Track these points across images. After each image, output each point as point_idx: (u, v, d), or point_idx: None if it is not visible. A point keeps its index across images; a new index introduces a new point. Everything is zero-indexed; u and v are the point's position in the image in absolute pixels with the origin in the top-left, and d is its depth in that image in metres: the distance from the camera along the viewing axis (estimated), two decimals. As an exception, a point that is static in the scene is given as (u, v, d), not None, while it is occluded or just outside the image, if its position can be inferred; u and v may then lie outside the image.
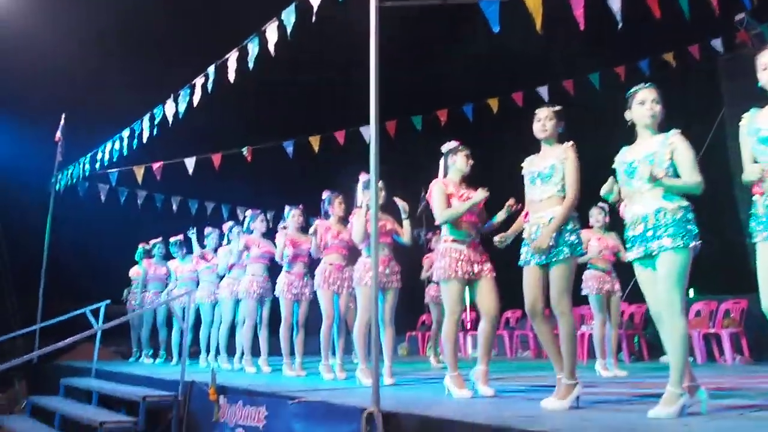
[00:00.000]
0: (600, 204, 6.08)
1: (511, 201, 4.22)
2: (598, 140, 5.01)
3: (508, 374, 5.97)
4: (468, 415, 3.21)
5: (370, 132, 3.65)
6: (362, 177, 5.34)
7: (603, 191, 3.50)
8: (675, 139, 3.27)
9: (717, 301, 7.86)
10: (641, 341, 8.48)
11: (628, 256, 3.38)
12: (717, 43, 8.48)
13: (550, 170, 3.69)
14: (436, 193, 4.37)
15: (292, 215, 6.30)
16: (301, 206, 6.31)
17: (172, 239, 8.59)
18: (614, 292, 6.12)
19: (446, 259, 4.24)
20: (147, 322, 8.79)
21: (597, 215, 6.15)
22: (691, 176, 3.20)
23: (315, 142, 8.21)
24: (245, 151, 8.23)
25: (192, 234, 7.88)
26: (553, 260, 3.58)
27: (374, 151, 3.66)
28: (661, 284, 3.16)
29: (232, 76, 5.44)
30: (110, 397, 5.95)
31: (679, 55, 8.27)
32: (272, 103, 10.05)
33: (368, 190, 5.21)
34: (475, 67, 9.65)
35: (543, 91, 8.33)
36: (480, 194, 4.31)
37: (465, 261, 4.22)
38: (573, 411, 3.41)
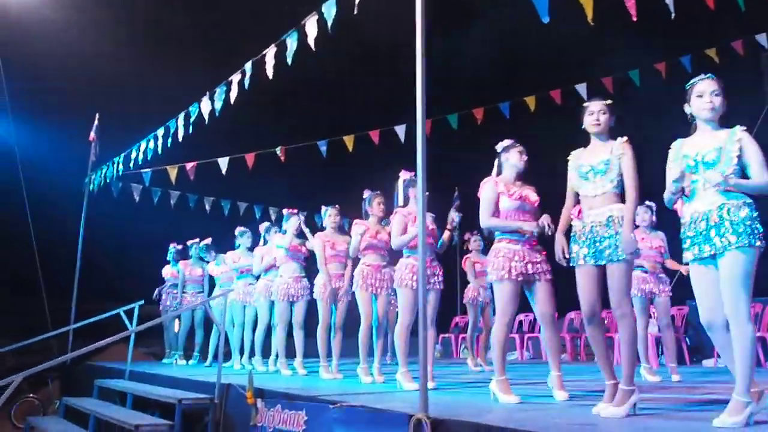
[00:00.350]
0: (647, 203, 5.89)
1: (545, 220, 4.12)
2: (639, 137, 4.84)
3: (536, 378, 5.78)
4: (522, 423, 3.06)
5: (417, 129, 3.51)
6: (403, 175, 5.20)
7: (672, 178, 3.28)
8: (743, 135, 3.09)
9: (762, 304, 7.61)
10: (682, 344, 8.25)
11: (686, 256, 3.19)
12: (762, 39, 8.19)
13: (604, 165, 3.53)
14: (486, 193, 4.22)
15: (329, 215, 6.20)
16: (337, 206, 6.19)
17: (200, 243, 8.59)
18: (659, 293, 5.90)
19: (498, 258, 4.08)
20: (184, 324, 8.73)
21: (643, 214, 5.95)
22: (762, 175, 3.01)
23: (349, 141, 8.11)
24: (279, 150, 8.15)
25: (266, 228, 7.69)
26: (613, 259, 3.41)
27: (421, 148, 3.54)
28: (726, 287, 2.96)
29: (270, 72, 5.34)
30: (145, 399, 5.90)
31: (723, 51, 8.00)
32: (307, 101, 9.99)
33: (410, 188, 5.10)
34: (511, 63, 9.47)
35: (581, 88, 8.11)
36: (530, 226, 4.14)
37: (519, 261, 4.06)
38: (632, 418, 3.26)
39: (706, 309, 3.09)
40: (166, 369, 7.51)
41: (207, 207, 9.77)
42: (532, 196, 4.27)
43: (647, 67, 8.17)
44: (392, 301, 5.70)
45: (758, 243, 2.95)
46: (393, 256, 5.43)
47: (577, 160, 3.70)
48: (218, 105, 6.08)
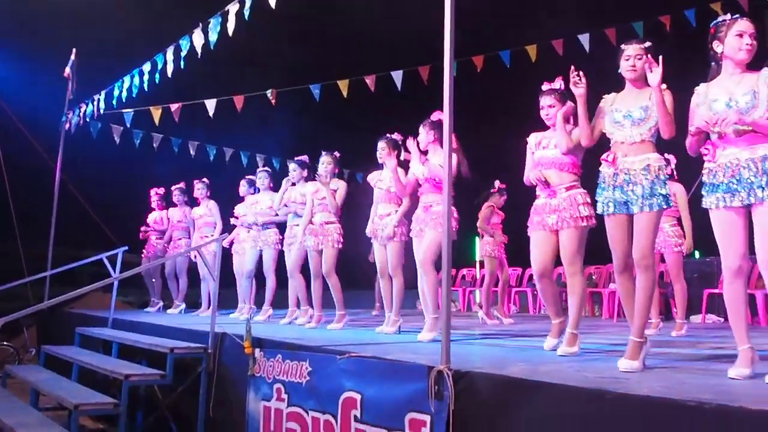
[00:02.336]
0: (666, 155, 5.72)
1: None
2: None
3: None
4: (549, 375, 2.93)
5: (445, 69, 3.24)
6: (435, 116, 4.89)
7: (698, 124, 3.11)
8: None
9: (752, 261, 7.63)
10: (669, 300, 8.26)
11: (712, 200, 3.01)
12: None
13: (642, 113, 3.34)
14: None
15: (322, 162, 5.91)
16: (336, 153, 5.90)
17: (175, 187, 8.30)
18: (672, 248, 5.79)
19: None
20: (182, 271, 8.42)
21: None
22: None
23: (344, 86, 7.76)
24: (270, 93, 7.76)
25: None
26: (644, 208, 3.26)
27: (448, 89, 3.28)
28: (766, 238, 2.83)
29: (273, 1, 4.94)
30: (131, 349, 5.67)
31: (728, 4, 7.80)
32: (302, 43, 9.54)
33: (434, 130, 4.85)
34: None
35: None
36: None
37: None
38: (662, 371, 3.16)
39: (732, 255, 2.95)
40: (153, 318, 7.25)
41: (192, 151, 9.38)
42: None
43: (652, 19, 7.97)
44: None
45: None
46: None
47: (612, 104, 3.50)
48: (213, 38, 5.68)
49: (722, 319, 7.44)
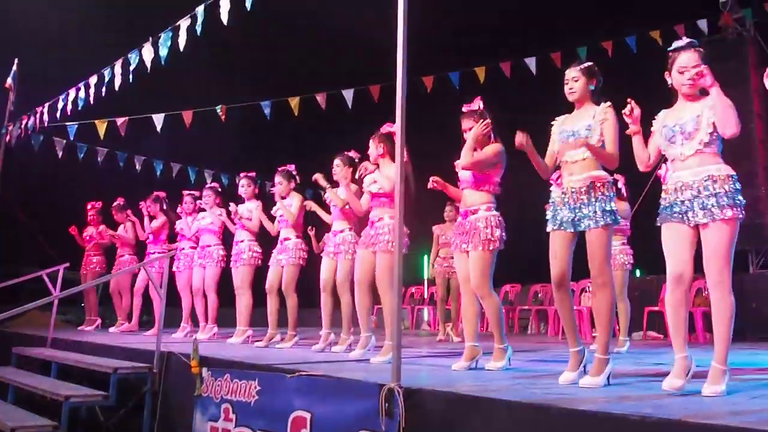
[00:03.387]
0: (615, 175, 5.92)
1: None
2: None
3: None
4: (498, 393, 2.98)
5: (397, 87, 3.28)
6: (385, 129, 4.85)
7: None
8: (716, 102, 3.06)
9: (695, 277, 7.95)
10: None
11: (663, 218, 3.14)
12: (702, 24, 8.46)
13: (586, 131, 3.45)
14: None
15: (278, 178, 5.90)
16: (291, 167, 5.89)
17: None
18: (622, 265, 5.96)
19: None
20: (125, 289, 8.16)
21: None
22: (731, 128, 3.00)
23: (294, 103, 7.76)
24: (219, 109, 7.69)
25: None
26: (593, 226, 3.35)
27: (401, 105, 3.32)
28: (711, 257, 2.95)
29: (225, 17, 4.92)
30: (72, 369, 5.48)
31: (666, 34, 8.19)
32: (253, 60, 9.48)
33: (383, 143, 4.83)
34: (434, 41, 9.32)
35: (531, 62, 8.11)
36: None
37: None
38: (605, 387, 3.24)
39: (677, 262, 3.06)
40: (95, 337, 7.01)
41: (138, 166, 9.17)
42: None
43: (593, 44, 8.28)
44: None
45: (741, 214, 2.96)
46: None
47: (560, 125, 3.63)
48: (163, 53, 5.60)
49: (662, 336, 7.69)
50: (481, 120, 4.04)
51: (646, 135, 3.34)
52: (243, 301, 6.17)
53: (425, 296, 10.90)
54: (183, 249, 7.20)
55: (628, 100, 3.25)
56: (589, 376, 3.28)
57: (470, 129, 4.08)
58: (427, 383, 3.24)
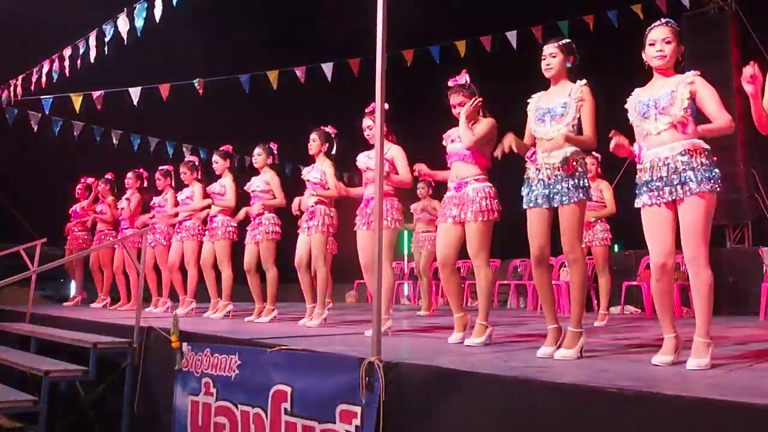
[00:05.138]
0: (593, 153, 5.94)
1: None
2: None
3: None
4: (476, 366, 3.01)
5: (377, 63, 3.24)
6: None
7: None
8: (696, 78, 3.08)
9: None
10: (591, 292, 8.60)
11: (641, 199, 3.16)
12: (684, -1, 8.45)
13: (562, 108, 3.45)
14: None
15: (257, 153, 5.85)
16: (272, 144, 5.83)
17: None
18: (598, 242, 6.03)
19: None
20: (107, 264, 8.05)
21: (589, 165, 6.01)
22: (722, 114, 3.01)
23: (273, 77, 7.65)
24: (197, 83, 7.56)
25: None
26: (565, 201, 3.37)
27: (380, 80, 3.28)
28: (688, 232, 2.98)
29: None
30: (51, 344, 5.43)
31: (647, 8, 8.19)
32: (231, 33, 9.30)
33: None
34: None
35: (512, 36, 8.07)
36: None
37: None
38: (584, 360, 3.29)
39: (660, 250, 3.09)
40: (74, 312, 6.96)
41: (114, 141, 9.02)
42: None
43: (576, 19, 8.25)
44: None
45: (718, 188, 2.98)
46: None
47: (536, 103, 3.61)
48: (139, 24, 5.47)
49: (639, 310, 7.81)
50: (473, 98, 4.01)
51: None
52: (223, 275, 6.15)
53: (405, 271, 10.96)
54: (157, 224, 7.15)
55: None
56: (563, 349, 3.33)
57: (460, 104, 4.05)
58: (407, 357, 3.25)
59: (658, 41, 3.12)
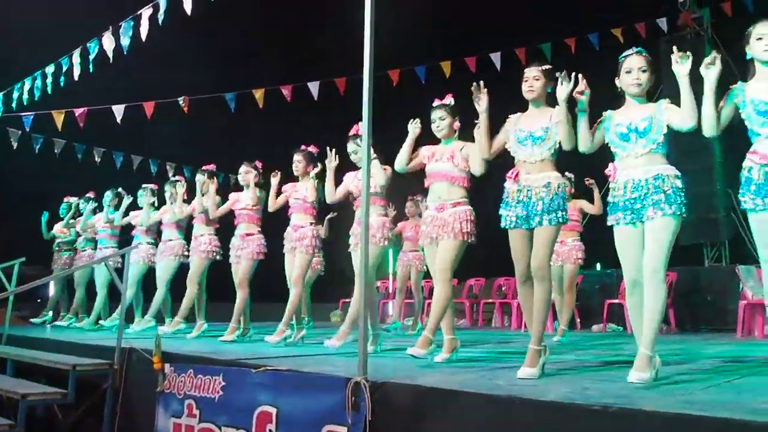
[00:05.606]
0: (566, 174, 6.02)
1: None
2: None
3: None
4: (462, 384, 3.02)
5: (364, 82, 3.28)
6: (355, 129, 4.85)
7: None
8: (669, 106, 3.20)
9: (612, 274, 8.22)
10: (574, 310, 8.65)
11: (614, 218, 3.25)
12: (662, 23, 8.65)
13: (543, 132, 3.52)
14: None
15: (242, 172, 5.84)
16: (257, 162, 5.83)
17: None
18: (571, 260, 6.15)
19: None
20: (81, 284, 7.94)
21: None
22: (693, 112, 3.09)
23: (259, 96, 7.67)
24: (182, 101, 7.54)
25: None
26: (543, 223, 3.44)
27: (367, 102, 3.31)
28: (653, 250, 3.09)
29: (188, 7, 4.83)
30: (28, 366, 5.33)
31: (628, 31, 8.37)
32: (217, 51, 9.31)
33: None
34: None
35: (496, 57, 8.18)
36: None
37: None
38: (566, 378, 3.32)
39: (633, 268, 3.19)
40: (53, 333, 6.84)
41: (97, 158, 8.94)
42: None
43: (557, 42, 8.40)
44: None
45: (685, 214, 3.11)
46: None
47: (516, 124, 3.67)
48: (125, 42, 5.47)
49: (621, 328, 7.86)
50: (454, 116, 4.12)
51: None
52: (187, 292, 6.09)
53: (391, 290, 10.94)
54: (140, 244, 7.09)
55: (580, 76, 3.32)
56: (525, 366, 3.34)
57: (441, 119, 4.12)
58: (393, 376, 3.24)
59: (635, 69, 3.21)
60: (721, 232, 9.60)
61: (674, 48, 3.12)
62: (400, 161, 4.28)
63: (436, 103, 4.21)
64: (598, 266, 9.14)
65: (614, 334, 7.63)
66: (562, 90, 3.35)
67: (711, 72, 2.99)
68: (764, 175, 2.90)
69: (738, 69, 3.18)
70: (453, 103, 4.18)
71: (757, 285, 6.80)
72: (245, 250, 5.71)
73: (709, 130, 3.08)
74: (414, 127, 4.28)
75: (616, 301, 7.84)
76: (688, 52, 3.09)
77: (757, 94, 2.95)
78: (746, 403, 2.52)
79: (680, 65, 3.06)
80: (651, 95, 3.34)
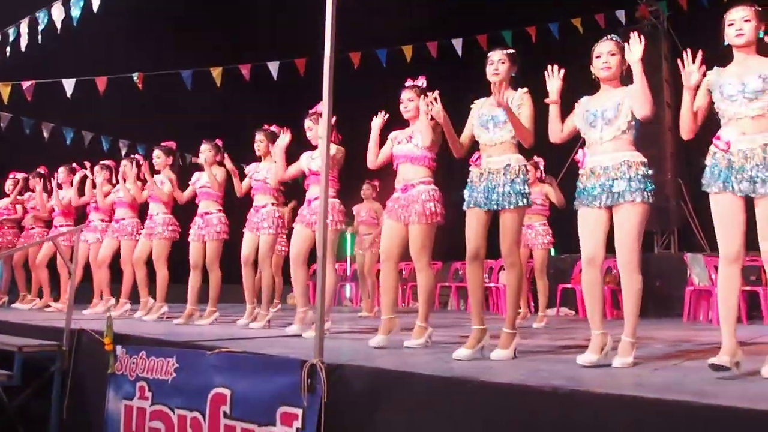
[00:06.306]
0: (535, 158, 6.07)
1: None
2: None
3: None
4: (418, 367, 3.05)
5: (325, 62, 3.23)
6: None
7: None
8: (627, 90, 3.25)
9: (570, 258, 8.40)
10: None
11: (580, 201, 3.30)
12: (621, 14, 8.79)
13: (504, 115, 3.53)
14: None
15: (203, 150, 5.70)
16: (218, 141, 5.70)
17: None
18: (539, 245, 6.17)
19: None
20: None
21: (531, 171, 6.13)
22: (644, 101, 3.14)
23: (217, 74, 7.51)
24: (136, 77, 7.32)
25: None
26: (506, 206, 3.46)
27: (328, 81, 3.27)
28: (622, 238, 3.15)
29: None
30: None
31: (588, 21, 8.47)
32: (173, 27, 9.04)
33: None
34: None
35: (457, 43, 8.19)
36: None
37: None
38: (521, 360, 3.38)
39: (592, 246, 3.25)
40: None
41: (45, 134, 8.63)
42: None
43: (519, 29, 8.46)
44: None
45: (651, 199, 3.16)
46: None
47: (480, 108, 3.69)
48: (75, 13, 5.26)
49: (573, 312, 8.05)
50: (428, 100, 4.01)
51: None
52: (159, 276, 5.97)
53: (348, 273, 10.95)
54: (92, 222, 6.92)
55: (556, 67, 3.39)
56: (499, 349, 3.42)
57: (409, 100, 4.10)
58: (349, 359, 3.25)
59: (604, 54, 3.28)
60: (671, 221, 9.88)
61: (631, 35, 3.16)
62: (370, 158, 4.30)
63: (408, 83, 4.19)
64: (553, 252, 9.30)
65: (567, 318, 7.80)
66: (553, 84, 3.38)
67: (692, 76, 3.01)
68: (727, 161, 2.95)
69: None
70: (424, 85, 4.17)
71: (703, 272, 7.04)
72: (207, 229, 5.61)
73: (682, 133, 3.12)
74: (375, 124, 4.26)
75: (569, 286, 8.01)
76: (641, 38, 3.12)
77: (726, 79, 3.00)
78: (692, 384, 2.61)
79: (632, 53, 3.11)
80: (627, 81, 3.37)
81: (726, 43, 3.04)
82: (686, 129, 3.10)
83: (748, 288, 6.56)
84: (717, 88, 3.00)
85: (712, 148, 3.00)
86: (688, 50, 3.02)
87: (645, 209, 3.16)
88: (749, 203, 2.88)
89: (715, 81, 3.01)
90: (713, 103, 3.02)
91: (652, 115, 3.17)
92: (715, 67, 3.08)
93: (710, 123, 3.09)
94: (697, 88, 3.02)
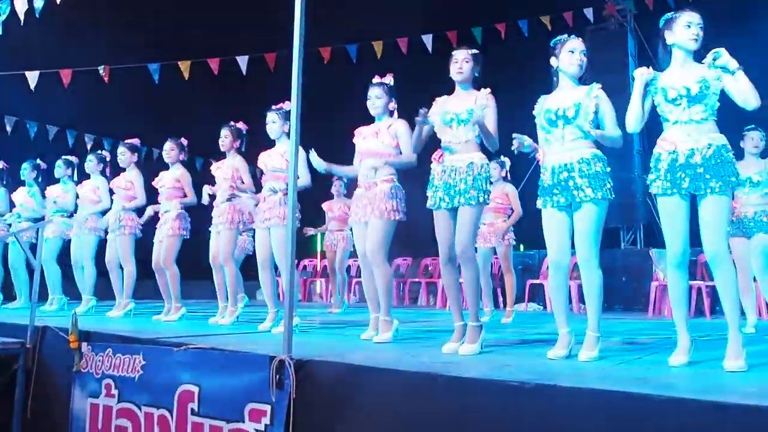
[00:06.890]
0: (502, 158, 6.10)
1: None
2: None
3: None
4: (386, 362, 3.06)
5: (294, 57, 3.21)
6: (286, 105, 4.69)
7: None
8: (600, 93, 3.31)
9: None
10: (497, 290, 8.88)
11: (541, 201, 3.35)
12: (589, 13, 8.91)
13: (468, 115, 3.56)
14: None
15: (166, 148, 5.65)
16: (183, 140, 5.63)
17: None
18: (501, 243, 6.20)
19: None
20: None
21: (493, 170, 6.15)
22: (615, 129, 3.28)
23: (185, 67, 7.41)
24: (102, 70, 7.19)
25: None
26: (464, 203, 3.50)
27: (297, 77, 3.26)
28: (581, 236, 3.21)
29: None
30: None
31: (557, 19, 8.57)
32: (140, 19, 8.88)
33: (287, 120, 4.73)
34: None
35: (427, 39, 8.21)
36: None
37: None
38: (488, 355, 3.42)
39: (557, 250, 3.30)
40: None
41: (8, 128, 8.42)
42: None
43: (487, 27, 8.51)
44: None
45: (611, 196, 3.21)
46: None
47: (442, 105, 3.71)
48: (38, 4, 5.14)
49: (542, 307, 8.15)
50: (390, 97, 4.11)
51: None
52: (125, 272, 5.89)
53: (318, 269, 10.94)
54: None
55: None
56: (468, 344, 3.45)
57: (377, 98, 4.11)
58: (318, 354, 3.25)
59: (577, 50, 3.32)
60: (637, 217, 10.07)
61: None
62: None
63: (376, 80, 4.20)
64: (522, 247, 9.41)
65: (535, 313, 7.89)
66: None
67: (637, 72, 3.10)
68: (671, 161, 3.03)
69: (657, 59, 3.29)
70: (392, 83, 4.18)
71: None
72: (164, 227, 5.55)
73: (629, 125, 3.20)
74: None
75: (538, 281, 8.11)
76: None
77: (669, 82, 3.07)
78: (655, 378, 2.67)
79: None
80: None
81: (672, 43, 3.10)
82: (632, 123, 3.20)
83: (712, 283, 6.68)
84: (659, 92, 3.07)
85: (656, 150, 3.08)
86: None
87: (603, 207, 3.22)
88: (694, 202, 2.98)
89: (658, 85, 3.09)
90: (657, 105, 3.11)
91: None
92: (656, 72, 3.15)
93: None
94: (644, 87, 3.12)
